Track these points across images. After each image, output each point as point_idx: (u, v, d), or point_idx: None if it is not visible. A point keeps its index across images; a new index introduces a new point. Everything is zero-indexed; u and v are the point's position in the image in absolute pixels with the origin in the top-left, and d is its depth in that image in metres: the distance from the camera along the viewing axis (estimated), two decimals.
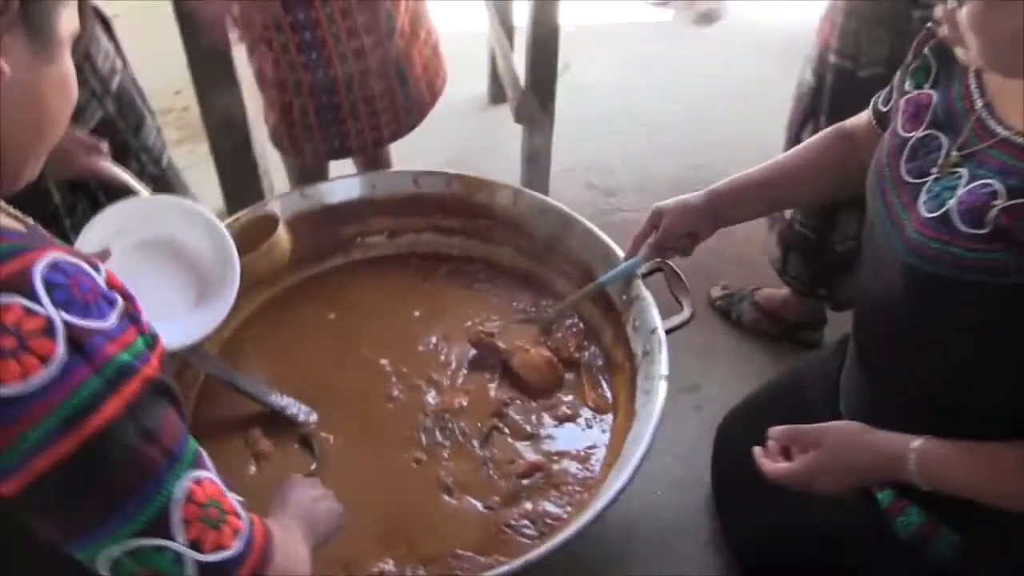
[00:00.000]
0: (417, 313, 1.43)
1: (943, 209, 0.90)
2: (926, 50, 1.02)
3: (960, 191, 0.89)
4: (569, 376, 1.33)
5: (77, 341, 0.56)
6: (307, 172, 1.74)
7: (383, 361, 1.34)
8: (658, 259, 1.29)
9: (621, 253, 1.34)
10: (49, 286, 0.56)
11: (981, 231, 0.85)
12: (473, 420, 1.25)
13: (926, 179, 0.94)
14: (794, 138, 1.76)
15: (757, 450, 1.03)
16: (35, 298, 0.55)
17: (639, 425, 1.14)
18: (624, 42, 3.11)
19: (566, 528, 1.00)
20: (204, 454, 0.64)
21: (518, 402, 1.28)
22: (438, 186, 1.51)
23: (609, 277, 1.32)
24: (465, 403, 1.27)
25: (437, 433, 1.23)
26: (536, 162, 2.04)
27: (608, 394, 1.31)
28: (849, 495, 1.05)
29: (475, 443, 1.22)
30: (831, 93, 1.59)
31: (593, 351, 1.37)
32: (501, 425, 1.25)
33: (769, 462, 1.00)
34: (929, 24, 0.99)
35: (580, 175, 2.41)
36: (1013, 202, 0.83)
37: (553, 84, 1.88)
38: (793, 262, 1.86)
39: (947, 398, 0.96)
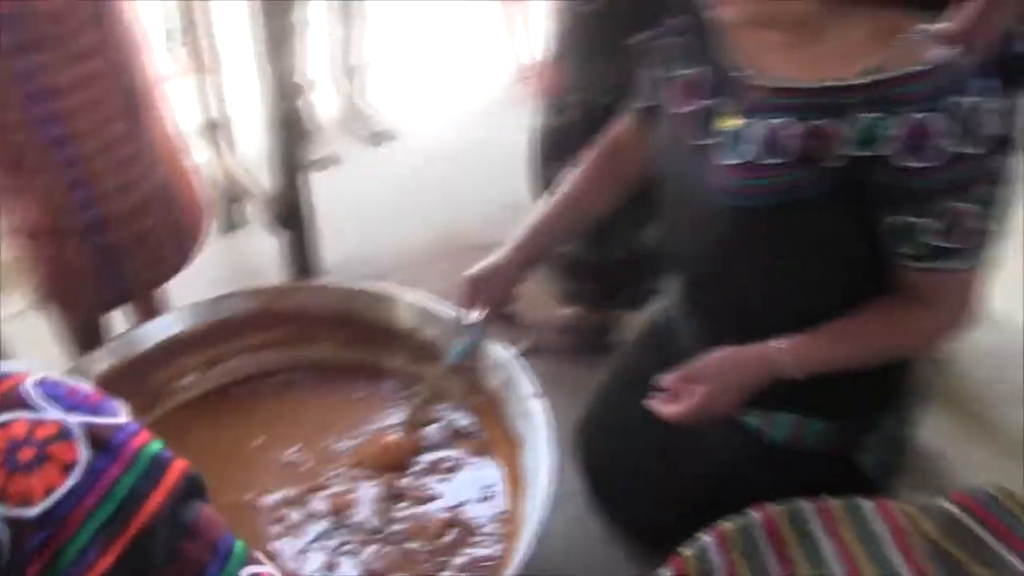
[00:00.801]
0: (260, 440, 1.38)
1: (745, 155, 1.06)
2: (675, 37, 1.19)
3: (757, 134, 1.05)
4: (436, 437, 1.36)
5: (99, 439, 0.52)
6: (80, 330, 1.63)
7: (247, 496, 1.28)
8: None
9: (449, 311, 1.38)
10: (48, 397, 0.53)
11: (785, 159, 1.02)
12: (368, 507, 1.24)
13: (719, 138, 1.10)
14: (542, 177, 1.93)
15: (653, 402, 1.12)
16: (38, 408, 0.51)
17: (531, 447, 1.19)
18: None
19: (514, 556, 1.03)
20: (253, 550, 0.60)
21: (402, 477, 1.29)
22: (243, 305, 1.49)
23: (455, 358, 1.34)
24: (355, 496, 1.26)
25: (338, 533, 1.21)
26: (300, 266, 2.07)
27: (484, 435, 1.35)
28: (721, 434, 1.18)
29: (380, 524, 1.21)
30: (583, 126, 1.75)
31: (450, 405, 1.40)
32: (396, 502, 1.25)
33: (670, 407, 1.11)
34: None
35: (354, 267, 2.45)
36: (803, 128, 1.01)
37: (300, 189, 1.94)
38: (577, 286, 2.02)
39: (779, 319, 1.11)
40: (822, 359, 1.09)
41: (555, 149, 1.92)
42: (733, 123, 1.09)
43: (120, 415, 0.55)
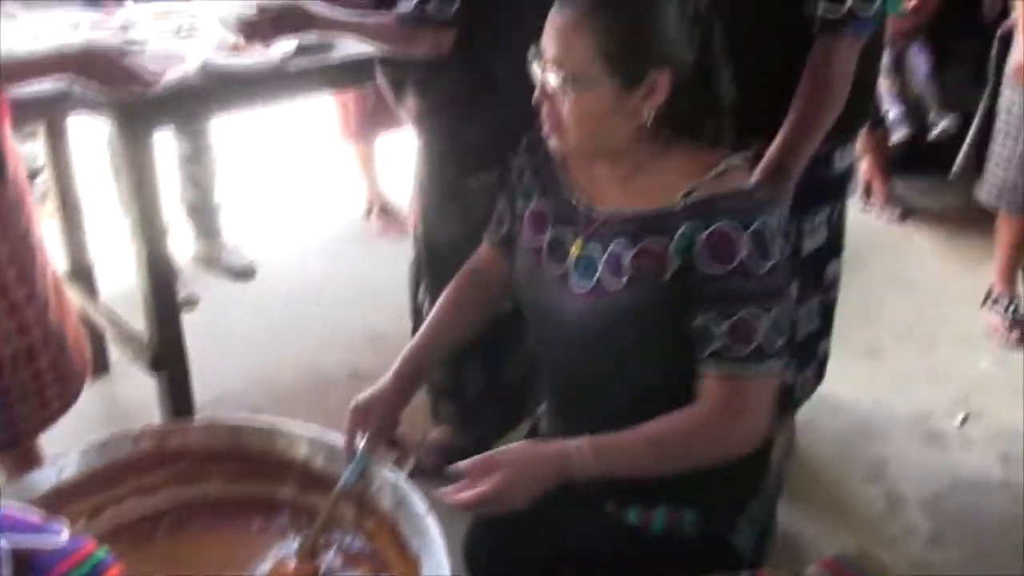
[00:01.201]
0: None
1: (592, 280, 1.21)
2: (524, 175, 1.35)
3: (600, 259, 1.21)
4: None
5: (24, 561, 0.54)
6: None
7: None
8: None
9: (334, 439, 1.43)
10: None
11: (627, 279, 1.18)
12: None
13: (568, 266, 1.25)
14: (416, 305, 2.08)
15: (445, 490, 1.19)
16: None
17: (428, 564, 1.24)
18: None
19: None
20: None
21: None
22: (130, 447, 1.49)
23: (345, 484, 1.38)
24: None
25: None
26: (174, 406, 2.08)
27: (380, 556, 1.38)
28: (604, 529, 1.29)
29: None
30: (429, 262, 1.93)
31: (345, 530, 1.43)
32: None
33: (461, 493, 1.17)
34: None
35: (227, 404, 2.45)
36: (637, 250, 1.17)
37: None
38: (443, 409, 2.15)
39: (634, 413, 1.22)
40: (621, 461, 1.17)
41: (419, 276, 2.07)
42: (578, 251, 1.24)
43: (60, 537, 0.57)
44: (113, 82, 1.69)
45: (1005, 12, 3.15)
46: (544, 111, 1.22)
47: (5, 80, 1.50)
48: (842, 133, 1.83)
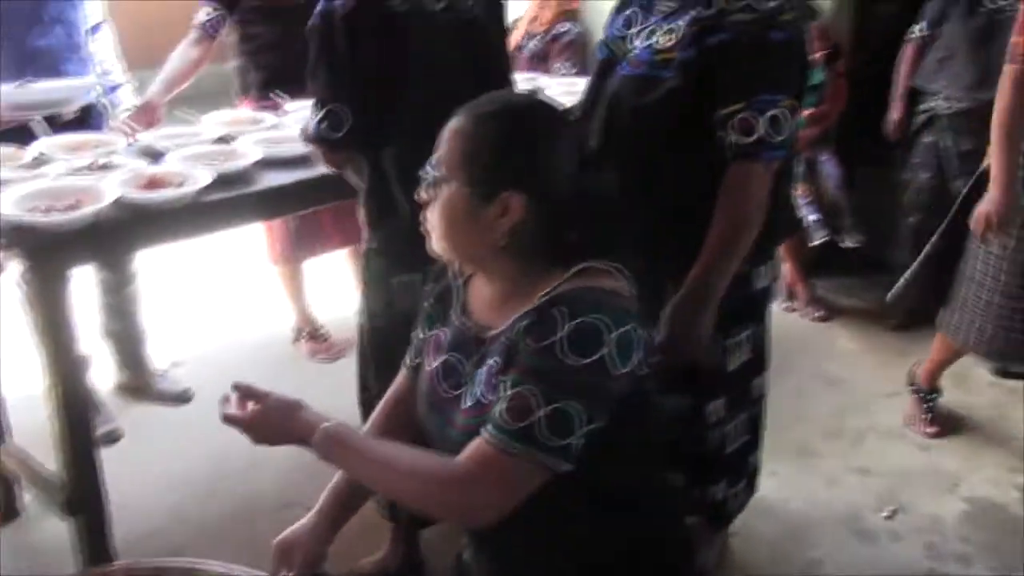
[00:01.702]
0: None
1: (475, 398, 1.23)
2: (426, 303, 1.41)
3: (482, 378, 1.22)
4: None
5: None
6: None
7: None
8: None
9: None
10: None
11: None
12: None
13: (461, 389, 1.27)
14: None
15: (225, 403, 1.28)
16: None
17: None
18: None
19: None
20: None
21: None
22: None
23: None
24: None
25: None
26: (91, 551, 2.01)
27: None
28: None
29: None
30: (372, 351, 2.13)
31: None
32: None
33: (231, 409, 1.27)
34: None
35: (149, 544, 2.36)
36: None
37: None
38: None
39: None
40: (354, 464, 1.23)
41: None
42: (469, 374, 1.27)
43: None
44: None
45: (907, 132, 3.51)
46: (424, 211, 1.28)
47: None
48: (760, 253, 1.90)
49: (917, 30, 3.50)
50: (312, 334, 3.53)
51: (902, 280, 2.87)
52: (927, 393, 3.00)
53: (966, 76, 3.29)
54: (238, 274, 4.03)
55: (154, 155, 2.36)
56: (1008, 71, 2.45)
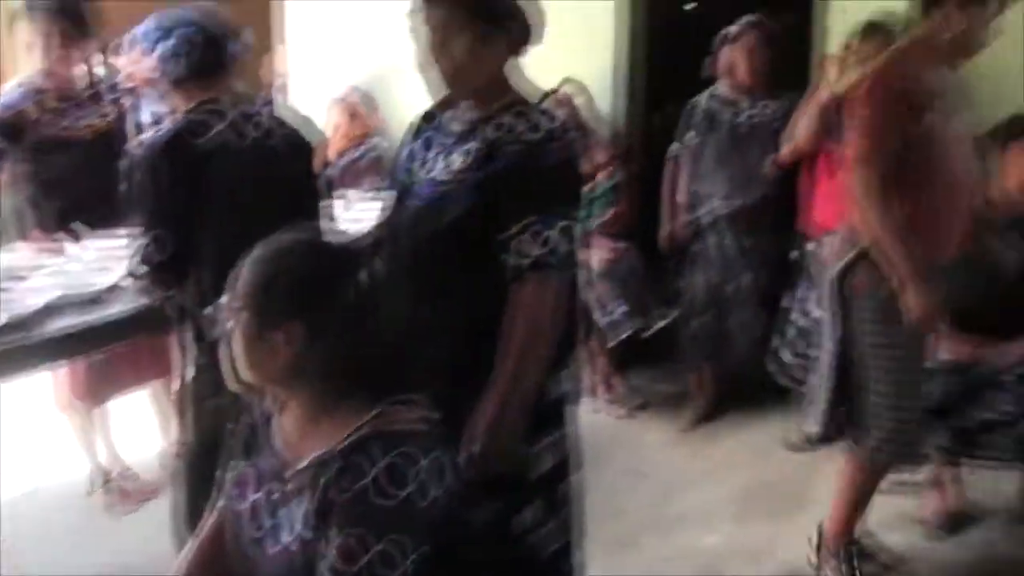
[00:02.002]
0: None
1: (289, 535, 1.26)
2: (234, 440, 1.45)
3: (295, 513, 1.27)
4: None
5: None
6: None
7: None
8: None
9: None
10: None
11: (308, 534, 1.24)
12: None
13: (273, 522, 1.30)
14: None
15: None
16: None
17: None
18: None
19: None
20: None
21: None
22: None
23: None
24: None
25: None
26: None
27: None
28: None
29: None
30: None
31: None
32: None
33: None
34: None
35: None
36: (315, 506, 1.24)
37: None
38: None
39: None
40: None
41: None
42: (278, 512, 1.30)
43: None
44: None
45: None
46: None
47: None
48: (553, 365, 1.97)
49: (676, 148, 3.80)
50: (108, 484, 3.27)
51: (820, 415, 2.68)
52: (849, 552, 2.67)
53: (730, 182, 3.65)
54: (27, 421, 3.71)
55: None
56: (858, 179, 2.41)
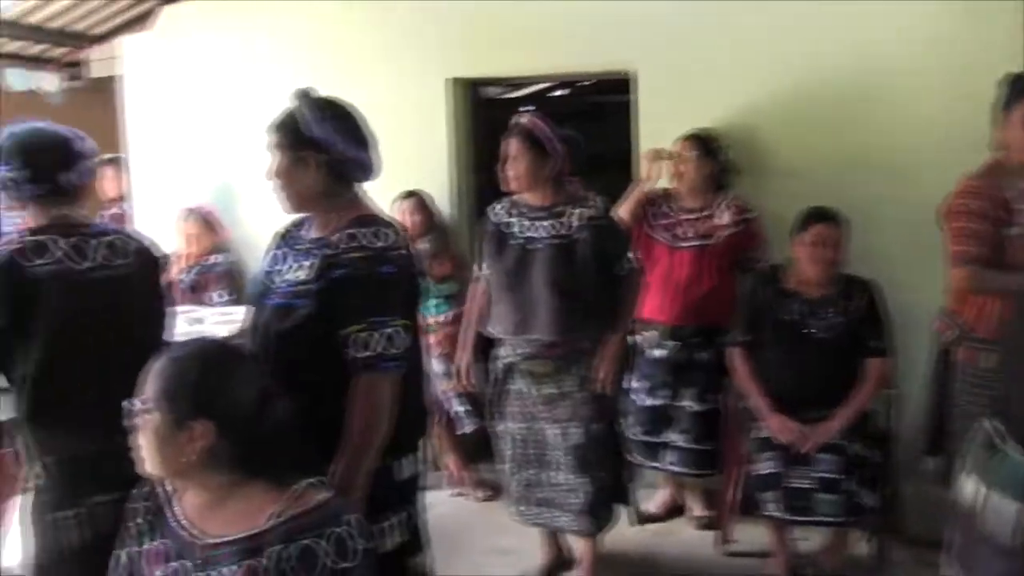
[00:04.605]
0: None
1: None
2: (135, 522, 1.71)
3: None
4: None
5: None
6: None
7: None
8: None
9: None
10: None
11: None
12: None
13: None
14: None
15: None
16: None
17: None
18: None
19: None
20: None
21: None
22: None
23: None
24: None
25: None
26: None
27: None
28: None
29: None
30: None
31: None
32: None
33: None
34: None
35: None
36: (242, 571, 1.54)
37: None
38: None
39: None
40: None
41: None
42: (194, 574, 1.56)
43: None
44: None
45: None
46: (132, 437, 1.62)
47: None
48: (398, 449, 2.25)
49: (476, 269, 3.62)
50: None
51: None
52: None
53: (509, 317, 3.40)
54: None
55: None
56: (953, 278, 3.00)
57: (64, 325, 2.31)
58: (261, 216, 4.73)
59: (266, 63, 4.89)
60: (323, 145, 2.21)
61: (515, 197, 3.46)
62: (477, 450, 4.40)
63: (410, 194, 4.40)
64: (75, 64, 6.44)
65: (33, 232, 2.36)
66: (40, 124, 2.42)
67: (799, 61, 4.06)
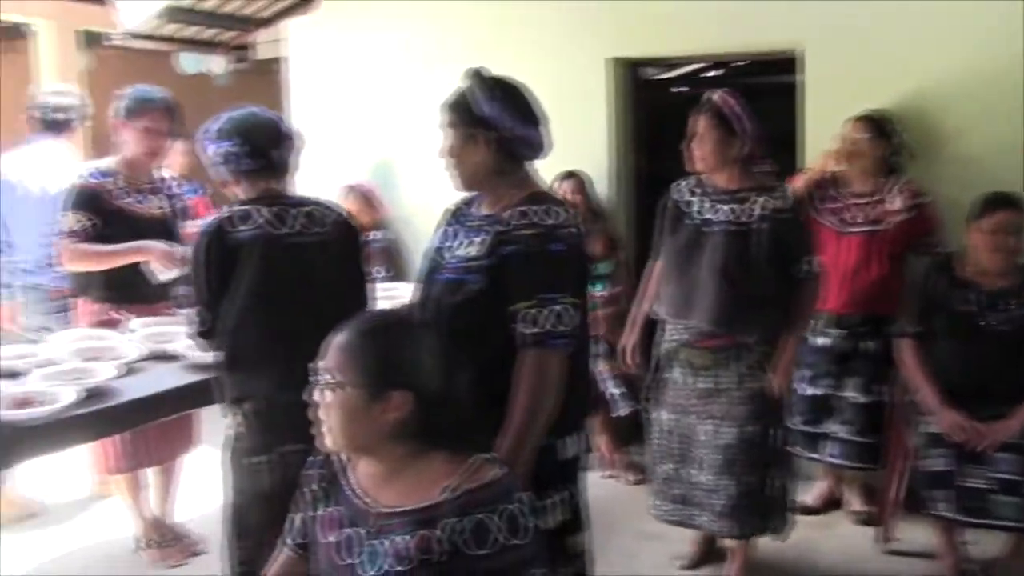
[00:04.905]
0: None
1: (381, 569, 1.58)
2: (312, 487, 1.78)
3: (387, 549, 1.59)
4: None
5: None
6: None
7: None
8: None
9: None
10: None
11: (407, 567, 1.56)
12: None
13: (358, 558, 1.62)
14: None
15: None
16: None
17: None
18: None
19: None
20: None
21: None
22: None
23: None
24: None
25: None
26: None
27: None
28: None
29: None
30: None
31: None
32: None
33: None
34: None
35: None
36: (416, 540, 1.56)
37: None
38: None
39: None
40: None
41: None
42: (366, 545, 1.62)
43: None
44: None
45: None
46: (314, 412, 1.66)
47: None
48: (563, 428, 2.27)
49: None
50: (154, 542, 3.70)
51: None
52: None
53: (673, 299, 3.31)
54: (76, 484, 4.20)
55: (11, 375, 2.70)
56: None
57: (261, 283, 2.56)
58: (419, 195, 4.88)
59: (428, 44, 4.99)
60: (493, 123, 2.25)
61: (702, 176, 3.32)
62: (629, 433, 4.40)
63: (569, 175, 4.42)
64: (242, 47, 6.73)
65: (242, 203, 2.65)
66: (254, 108, 2.74)
67: (977, 43, 3.87)
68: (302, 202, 2.75)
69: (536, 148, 2.33)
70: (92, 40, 7.21)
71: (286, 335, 2.51)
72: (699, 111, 3.25)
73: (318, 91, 5.49)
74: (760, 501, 3.28)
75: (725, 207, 3.24)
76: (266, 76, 7.91)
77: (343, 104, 5.35)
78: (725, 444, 3.23)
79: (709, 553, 3.59)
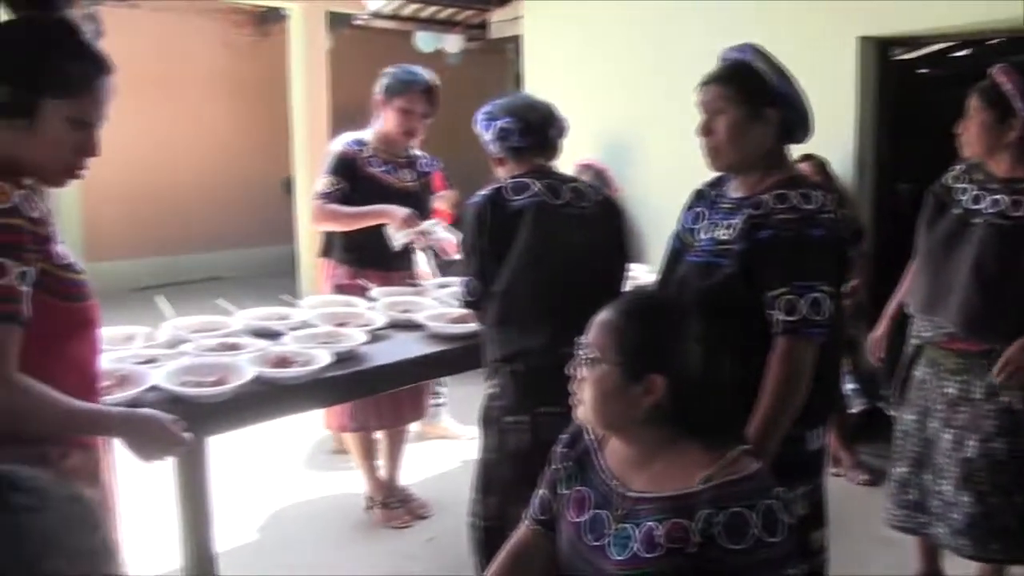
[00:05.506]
0: None
1: (630, 552, 1.57)
2: (561, 465, 1.79)
3: (635, 534, 1.58)
4: None
5: None
6: None
7: None
8: None
9: None
10: None
11: (659, 553, 1.54)
12: None
13: (605, 539, 1.61)
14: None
15: None
16: None
17: None
18: None
19: None
20: None
21: None
22: None
23: None
24: None
25: None
26: None
27: None
28: None
29: None
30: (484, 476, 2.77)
31: None
32: None
33: None
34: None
35: None
36: (667, 527, 1.54)
37: None
38: None
39: None
40: None
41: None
42: (615, 527, 1.61)
43: None
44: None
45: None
46: (574, 385, 1.68)
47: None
48: (813, 417, 2.22)
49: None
50: (384, 502, 3.89)
51: None
52: None
53: (922, 293, 3.05)
54: (308, 444, 4.50)
55: (270, 335, 2.90)
56: None
57: (536, 248, 2.64)
58: (653, 174, 4.85)
59: (663, 23, 4.93)
60: (784, 101, 2.21)
61: (976, 162, 2.98)
62: (860, 431, 4.24)
63: (808, 157, 4.25)
64: (478, 26, 6.89)
65: (513, 178, 2.75)
66: (525, 94, 3.00)
67: None
68: (569, 178, 2.86)
69: (809, 130, 2.29)
70: (338, 21, 7.59)
71: (555, 299, 2.59)
72: (975, 88, 2.95)
73: (552, 69, 5.55)
74: (1005, 526, 2.96)
75: (995, 197, 2.89)
76: (497, 55, 8.08)
77: (576, 82, 5.38)
78: (966, 457, 2.94)
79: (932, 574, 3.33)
